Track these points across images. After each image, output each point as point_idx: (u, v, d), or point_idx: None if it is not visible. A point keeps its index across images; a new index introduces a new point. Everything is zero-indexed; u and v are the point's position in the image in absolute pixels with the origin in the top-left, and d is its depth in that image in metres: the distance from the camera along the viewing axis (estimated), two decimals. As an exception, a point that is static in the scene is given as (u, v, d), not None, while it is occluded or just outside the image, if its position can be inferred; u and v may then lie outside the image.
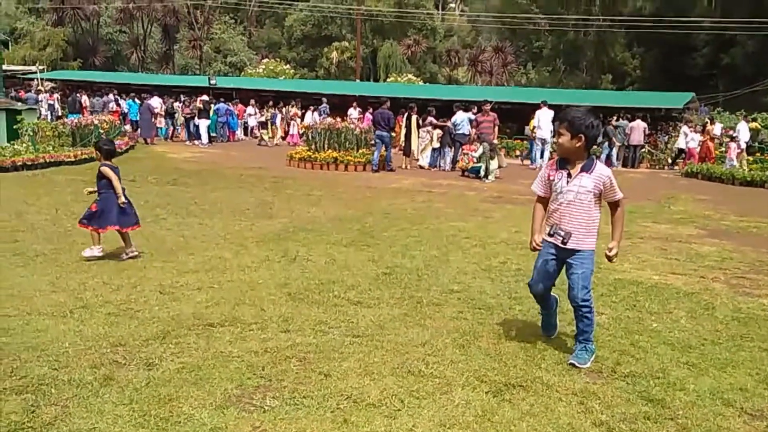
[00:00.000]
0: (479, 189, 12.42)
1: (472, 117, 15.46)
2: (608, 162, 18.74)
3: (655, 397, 3.27)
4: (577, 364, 3.61)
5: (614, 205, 3.67)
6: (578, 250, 3.65)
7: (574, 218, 3.62)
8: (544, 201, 3.82)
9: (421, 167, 16.19)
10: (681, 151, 19.30)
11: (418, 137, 16.67)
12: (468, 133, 15.48)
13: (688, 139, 18.78)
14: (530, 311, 4.65)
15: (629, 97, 27.44)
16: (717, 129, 19.26)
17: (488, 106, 15.09)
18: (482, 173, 14.06)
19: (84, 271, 5.25)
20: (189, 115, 21.20)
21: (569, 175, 3.61)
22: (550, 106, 17.59)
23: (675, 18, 36.53)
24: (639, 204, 10.71)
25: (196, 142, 20.78)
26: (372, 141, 15.94)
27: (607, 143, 19.29)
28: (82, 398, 3.00)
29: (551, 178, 3.71)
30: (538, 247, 3.80)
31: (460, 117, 15.62)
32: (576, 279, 3.66)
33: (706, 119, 20.58)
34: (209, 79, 29.51)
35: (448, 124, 15.99)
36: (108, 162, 5.85)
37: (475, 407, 3.09)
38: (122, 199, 5.72)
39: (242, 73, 45.12)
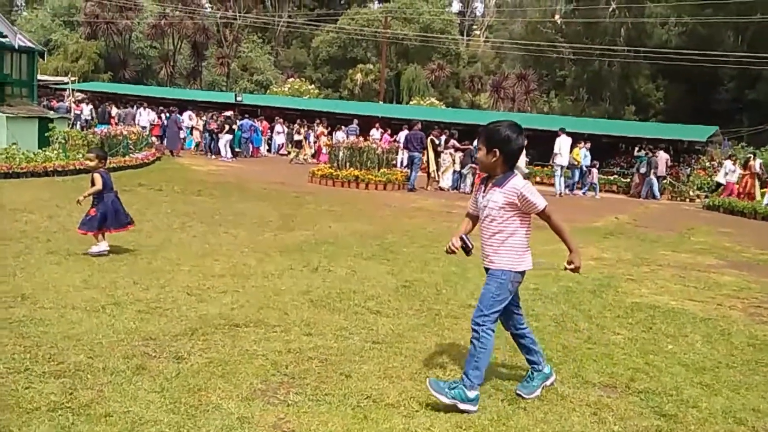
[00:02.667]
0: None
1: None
2: (651, 193, 18.69)
3: (668, 412, 3.33)
4: (443, 399, 3.14)
5: (545, 217, 3.38)
6: (488, 269, 3.45)
7: (486, 234, 3.41)
8: (471, 217, 3.62)
9: (441, 189, 16.34)
10: (719, 185, 19.15)
11: (436, 159, 16.87)
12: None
13: (728, 170, 18.65)
14: (547, 328, 4.74)
15: (652, 129, 27.43)
16: (757, 165, 19.05)
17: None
18: None
19: (114, 270, 5.44)
20: (216, 130, 21.64)
21: (485, 190, 3.43)
22: (569, 134, 17.86)
23: (701, 52, 36.55)
24: (659, 234, 10.72)
25: (214, 156, 21.10)
26: (393, 161, 16.17)
27: (653, 174, 18.96)
28: (116, 384, 3.15)
29: (476, 194, 3.57)
30: (452, 247, 3.54)
31: (482, 141, 15.78)
32: (479, 297, 3.42)
33: (749, 155, 20.40)
34: (236, 95, 30.07)
35: (470, 147, 16.16)
36: (103, 168, 6.16)
37: (491, 412, 3.18)
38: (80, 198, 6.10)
39: (267, 91, 45.90)
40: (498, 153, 3.31)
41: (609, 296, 5.89)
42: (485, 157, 3.37)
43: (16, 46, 16.23)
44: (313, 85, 45.46)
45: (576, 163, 18.45)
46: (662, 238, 10.25)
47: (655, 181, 18.83)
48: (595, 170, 18.99)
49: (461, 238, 3.49)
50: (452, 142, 16.94)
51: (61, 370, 3.27)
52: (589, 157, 18.95)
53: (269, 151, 25.66)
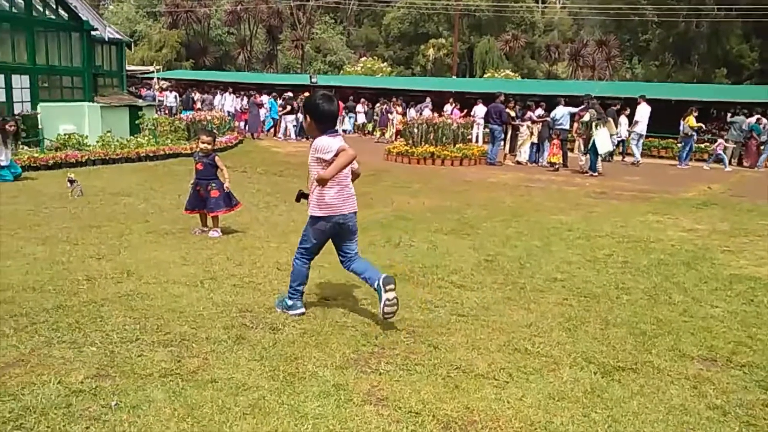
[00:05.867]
0: (580, 184, 12.15)
1: (574, 111, 15.10)
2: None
3: (774, 387, 3.18)
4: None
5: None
6: None
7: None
8: None
9: (518, 163, 16.01)
10: None
11: (513, 132, 16.52)
12: (568, 128, 15.16)
13: None
14: (639, 301, 4.60)
15: (746, 92, 25.62)
16: None
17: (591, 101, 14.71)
18: (592, 148, 13.59)
19: (209, 248, 5.73)
20: (279, 112, 22.10)
21: None
22: (649, 101, 17.05)
23: (801, 5, 33.63)
24: (757, 204, 10.08)
25: (281, 136, 21.58)
26: (469, 136, 15.96)
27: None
28: (219, 353, 3.34)
29: None
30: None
31: (560, 111, 15.30)
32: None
33: None
34: (310, 77, 30.52)
35: (548, 119, 15.72)
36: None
37: (584, 384, 3.14)
38: (228, 185, 6.28)
39: (341, 71, 46.30)
40: (308, 117, 3.94)
41: (704, 268, 5.63)
42: (304, 121, 4.15)
43: (106, 39, 17.13)
44: (385, 63, 45.41)
45: (690, 133, 16.85)
46: (760, 208, 9.63)
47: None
48: (722, 140, 17.27)
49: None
50: (529, 114, 16.51)
51: (168, 340, 3.50)
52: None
53: (345, 131, 25.96)
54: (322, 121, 3.88)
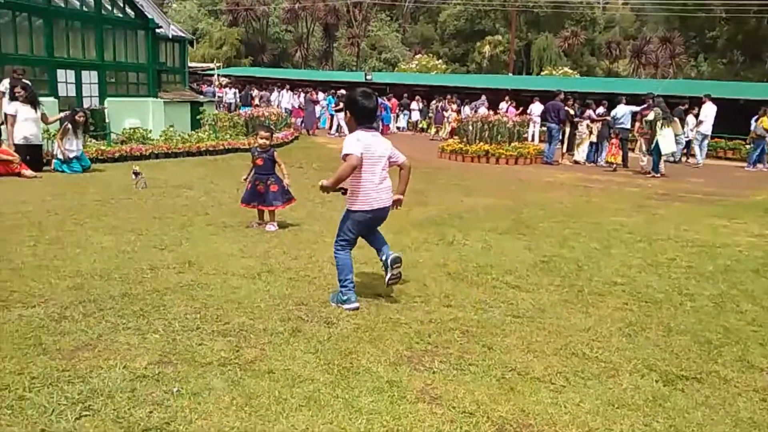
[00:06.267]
0: (642, 185, 11.77)
1: (636, 110, 14.64)
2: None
3: None
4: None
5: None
6: None
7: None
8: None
9: (576, 162, 15.65)
10: None
11: (571, 131, 16.14)
12: (629, 127, 14.72)
13: None
14: (704, 309, 4.42)
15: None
16: None
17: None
18: (655, 149, 13.12)
19: (266, 241, 5.84)
20: (334, 109, 22.32)
21: None
22: (716, 101, 16.35)
23: None
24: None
25: (334, 132, 21.82)
26: (525, 135, 15.71)
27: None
28: (275, 344, 3.40)
29: None
30: None
31: (622, 110, 14.88)
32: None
33: None
34: (365, 74, 30.70)
35: (608, 118, 15.31)
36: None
37: (645, 392, 3.04)
38: (287, 180, 6.39)
39: (395, 68, 46.35)
40: (348, 113, 4.13)
41: (775, 276, 5.36)
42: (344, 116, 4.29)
43: (170, 36, 17.69)
44: (440, 60, 45.20)
45: (763, 134, 16.07)
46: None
47: None
48: None
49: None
50: (588, 112, 16.11)
51: (227, 330, 3.58)
52: None
53: (399, 128, 25.99)
54: (359, 116, 4.07)
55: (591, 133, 15.62)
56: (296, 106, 24.49)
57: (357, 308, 4.02)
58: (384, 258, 4.23)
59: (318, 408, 2.73)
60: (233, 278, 4.59)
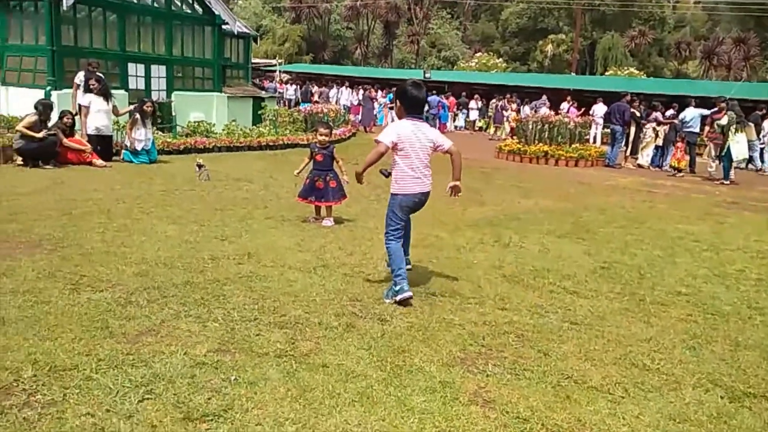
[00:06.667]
0: (710, 192, 11.29)
1: (706, 113, 14.03)
2: None
3: None
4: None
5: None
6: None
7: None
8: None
9: (639, 166, 15.15)
10: None
11: (636, 133, 15.64)
12: (698, 131, 14.13)
13: None
14: (774, 323, 4.20)
15: None
16: None
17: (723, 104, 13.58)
18: (727, 154, 12.52)
19: (322, 236, 5.91)
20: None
21: None
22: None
23: None
24: None
25: None
26: (586, 136, 15.33)
27: None
28: (330, 339, 3.44)
29: None
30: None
31: (691, 113, 14.29)
32: None
33: None
34: (424, 72, 30.61)
35: (676, 121, 14.74)
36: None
37: (709, 408, 2.92)
38: (346, 177, 6.41)
39: (455, 67, 46.03)
40: (398, 102, 4.37)
41: None
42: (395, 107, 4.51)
43: (235, 32, 18.12)
44: (500, 59, 44.59)
45: None
46: None
47: None
48: None
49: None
50: (654, 114, 15.55)
51: (284, 322, 3.65)
52: None
53: (456, 127, 25.82)
54: (408, 106, 4.30)
55: (657, 136, 15.07)
56: (354, 103, 24.67)
57: (410, 297, 4.06)
58: (392, 271, 4.24)
59: (370, 404, 2.74)
60: (290, 271, 4.67)
